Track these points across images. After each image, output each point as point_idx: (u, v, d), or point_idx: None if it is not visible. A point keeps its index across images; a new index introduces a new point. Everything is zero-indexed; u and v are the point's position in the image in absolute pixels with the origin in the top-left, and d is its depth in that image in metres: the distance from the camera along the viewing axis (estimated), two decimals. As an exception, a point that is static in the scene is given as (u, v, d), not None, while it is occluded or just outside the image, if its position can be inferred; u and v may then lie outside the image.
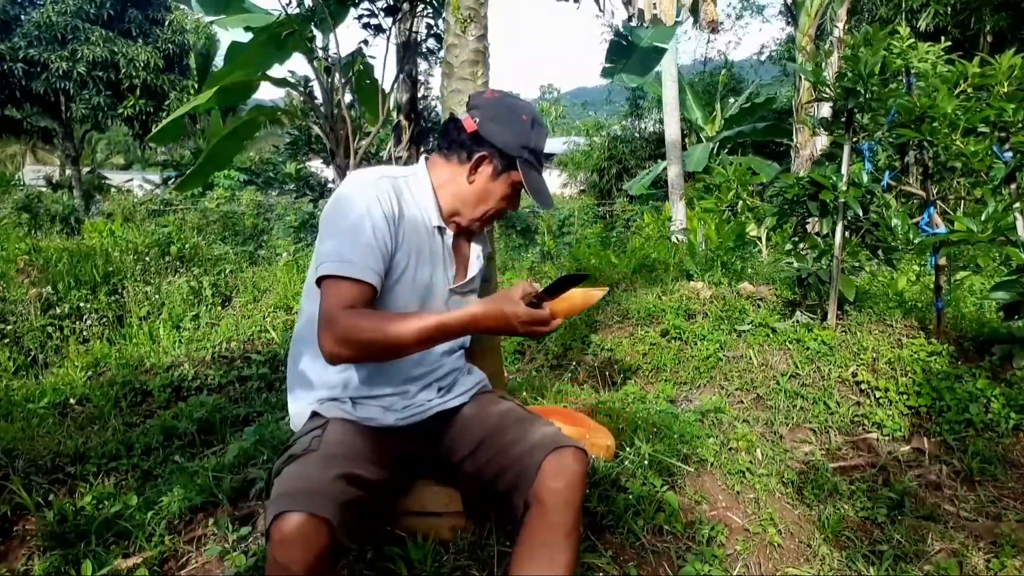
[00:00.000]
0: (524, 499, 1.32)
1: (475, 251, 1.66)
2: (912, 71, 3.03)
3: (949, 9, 10.68)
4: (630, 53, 5.81)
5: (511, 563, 1.30)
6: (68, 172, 19.02)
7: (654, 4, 5.67)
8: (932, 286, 3.31)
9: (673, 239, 8.02)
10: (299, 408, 1.53)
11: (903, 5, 10.95)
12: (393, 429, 1.49)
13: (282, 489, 1.20)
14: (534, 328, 1.33)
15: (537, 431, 1.41)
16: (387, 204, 1.42)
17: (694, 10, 6.41)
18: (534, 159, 1.52)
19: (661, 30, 5.88)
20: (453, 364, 1.62)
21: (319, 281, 1.36)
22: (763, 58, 20.64)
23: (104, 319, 4.65)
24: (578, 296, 1.34)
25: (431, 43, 5.94)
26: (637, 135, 18.46)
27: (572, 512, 1.29)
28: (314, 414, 1.49)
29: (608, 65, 6.08)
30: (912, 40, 2.98)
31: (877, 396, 2.76)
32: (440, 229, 1.54)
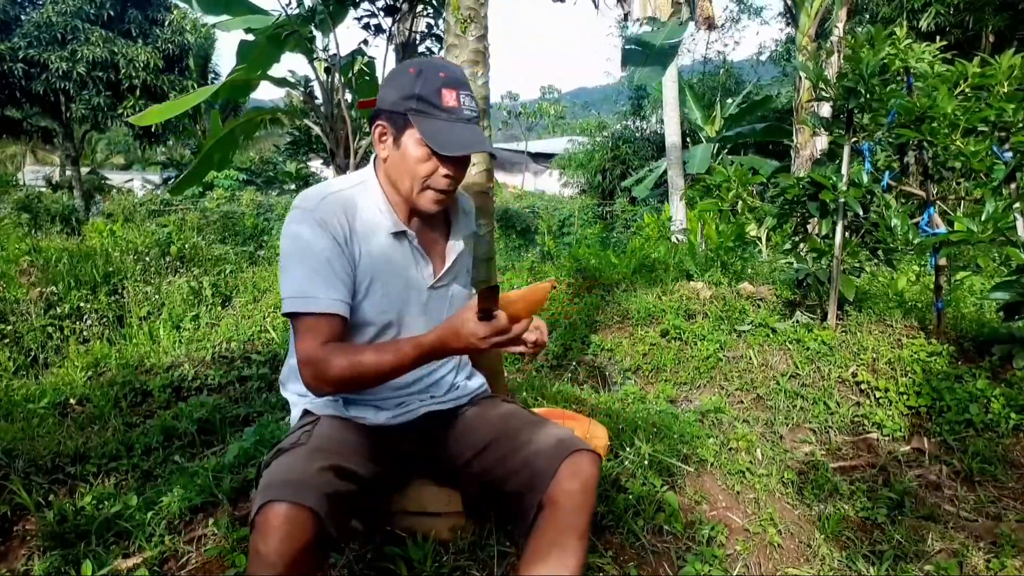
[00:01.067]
0: (537, 500, 1.31)
1: (452, 239, 1.56)
2: (912, 71, 3.03)
3: (951, 9, 10.67)
4: (645, 56, 5.85)
5: (522, 562, 1.30)
6: (68, 172, 19.02)
7: (650, 1, 5.67)
8: (932, 286, 3.31)
9: (673, 239, 8.02)
10: (295, 408, 1.56)
11: (904, 5, 10.94)
12: (385, 428, 1.49)
13: (268, 480, 1.20)
14: (497, 340, 1.25)
15: (551, 434, 1.40)
16: (335, 226, 1.37)
17: (691, 7, 6.40)
18: (429, 106, 1.35)
19: (672, 29, 5.91)
20: (450, 366, 1.61)
21: (288, 316, 1.37)
22: (763, 58, 20.63)
23: (104, 319, 4.65)
24: (526, 294, 1.27)
25: (431, 43, 5.94)
26: (639, 135, 18.47)
27: (585, 515, 1.29)
28: (306, 412, 1.51)
29: (625, 71, 6.17)
30: (908, 40, 2.98)
31: (877, 396, 2.76)
32: (400, 234, 1.45)
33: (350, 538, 1.67)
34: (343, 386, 1.33)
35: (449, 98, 1.35)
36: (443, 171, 1.39)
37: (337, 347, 1.32)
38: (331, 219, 1.38)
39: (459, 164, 1.42)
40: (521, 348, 1.32)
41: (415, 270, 1.49)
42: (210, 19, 5.58)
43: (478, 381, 1.69)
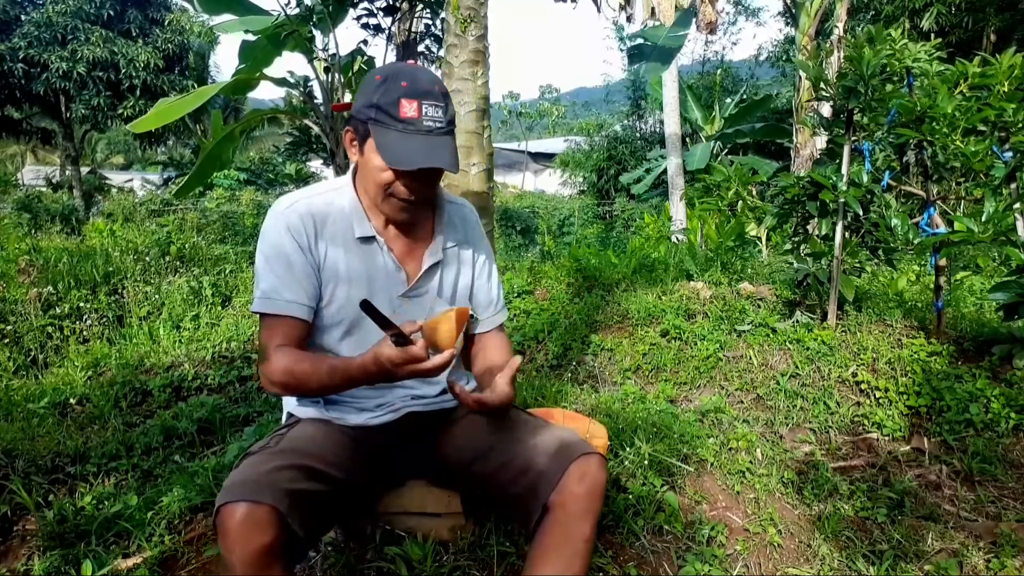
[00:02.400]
0: (543, 503, 1.31)
1: (431, 247, 1.52)
2: (912, 71, 3.03)
3: (952, 9, 10.67)
4: (650, 50, 5.88)
5: (528, 563, 1.30)
6: (68, 172, 19.03)
7: (653, 7, 5.68)
8: (932, 286, 3.31)
9: (673, 239, 8.03)
10: (284, 411, 1.58)
11: (906, 5, 10.94)
12: (366, 428, 1.49)
13: (227, 483, 1.20)
14: (414, 368, 1.23)
15: (554, 436, 1.40)
16: (299, 231, 1.40)
17: (692, 11, 6.41)
18: (387, 117, 1.32)
19: (675, 27, 5.93)
20: None
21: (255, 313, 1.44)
22: (761, 59, 20.65)
23: (104, 319, 4.65)
24: (443, 320, 1.25)
25: (430, 43, 5.94)
26: (637, 135, 18.49)
27: (591, 519, 1.29)
28: (289, 415, 1.54)
29: (632, 65, 6.19)
30: (905, 40, 2.97)
31: (877, 396, 2.76)
32: (367, 239, 1.45)
33: (322, 538, 1.66)
34: (285, 390, 1.39)
35: (408, 108, 1.32)
36: (402, 182, 1.38)
37: (285, 351, 1.37)
38: (297, 223, 1.41)
39: (421, 176, 1.38)
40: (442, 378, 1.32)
41: (385, 276, 1.48)
42: (212, 19, 5.57)
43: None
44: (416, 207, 1.43)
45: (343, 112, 1.41)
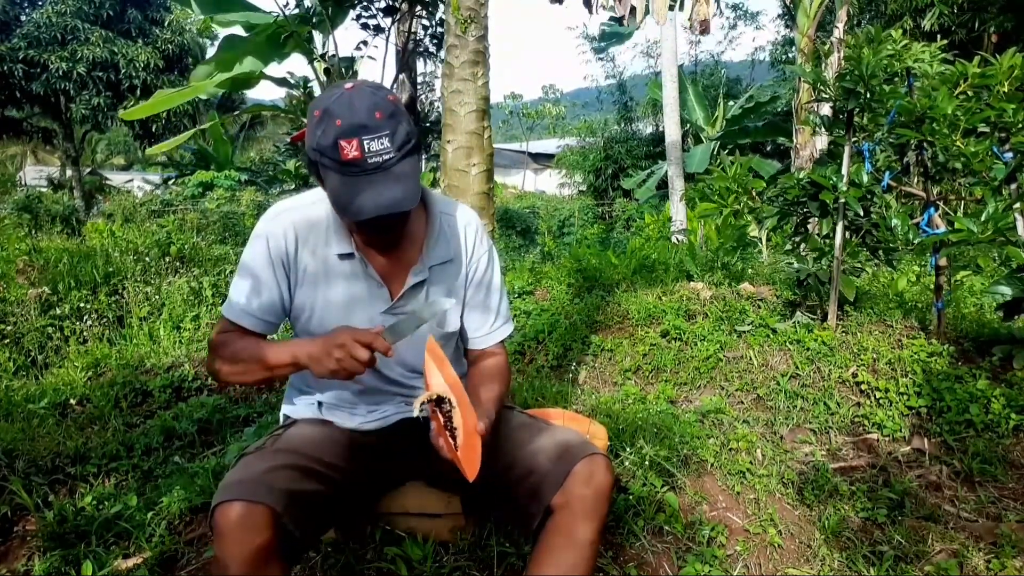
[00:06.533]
0: (545, 506, 1.29)
1: (418, 264, 1.45)
2: (912, 72, 3.03)
3: (955, 9, 10.66)
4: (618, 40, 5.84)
5: (530, 564, 1.29)
6: (69, 173, 19.04)
7: (647, 4, 5.65)
8: (932, 287, 3.31)
9: (673, 240, 8.03)
10: (282, 412, 1.59)
11: (908, 4, 10.94)
12: (360, 432, 1.49)
13: (224, 482, 1.20)
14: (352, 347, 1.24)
15: (556, 438, 1.38)
16: (280, 244, 1.39)
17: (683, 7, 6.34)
18: (330, 160, 1.23)
19: (627, 23, 5.88)
20: None
21: None
22: (759, 61, 20.69)
23: (104, 319, 4.65)
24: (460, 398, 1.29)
25: (429, 43, 5.96)
26: (632, 136, 18.52)
27: (597, 521, 1.28)
28: (286, 416, 1.54)
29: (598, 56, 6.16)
30: (907, 40, 2.97)
31: (877, 397, 2.76)
32: (347, 255, 1.41)
33: (319, 540, 1.65)
34: (224, 369, 1.39)
35: (349, 149, 1.21)
36: (365, 228, 1.35)
37: (228, 338, 1.41)
38: (278, 236, 1.40)
39: (381, 219, 1.26)
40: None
41: (366, 294, 1.44)
42: (211, 19, 5.54)
43: None
44: (391, 233, 1.40)
45: (301, 142, 1.38)
